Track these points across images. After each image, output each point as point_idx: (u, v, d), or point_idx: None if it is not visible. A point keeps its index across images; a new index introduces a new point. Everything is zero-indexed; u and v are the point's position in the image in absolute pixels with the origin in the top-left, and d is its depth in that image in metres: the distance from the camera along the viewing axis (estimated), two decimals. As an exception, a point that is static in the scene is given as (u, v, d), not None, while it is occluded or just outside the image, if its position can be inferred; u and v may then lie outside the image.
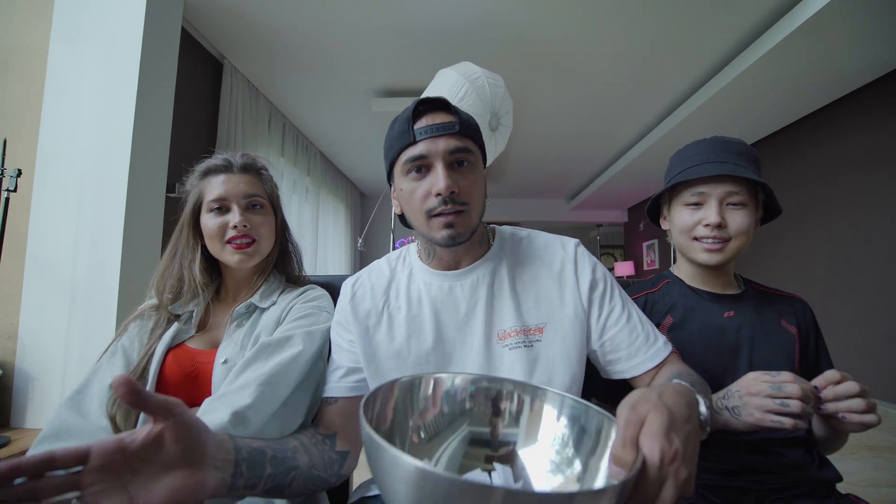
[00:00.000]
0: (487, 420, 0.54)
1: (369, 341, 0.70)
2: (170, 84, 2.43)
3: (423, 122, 0.66)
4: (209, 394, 0.71)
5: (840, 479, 0.69)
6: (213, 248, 0.82)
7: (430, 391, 0.53)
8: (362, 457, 0.51)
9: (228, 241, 0.81)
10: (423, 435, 0.51)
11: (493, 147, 2.68)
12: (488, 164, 2.89)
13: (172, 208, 2.46)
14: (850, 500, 0.67)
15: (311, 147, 4.92)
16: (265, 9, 2.62)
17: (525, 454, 0.51)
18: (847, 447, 2.23)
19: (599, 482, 0.43)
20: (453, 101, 2.41)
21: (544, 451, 0.51)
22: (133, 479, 0.39)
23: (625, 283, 0.86)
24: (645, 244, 7.18)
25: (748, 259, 4.45)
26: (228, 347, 0.74)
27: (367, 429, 0.37)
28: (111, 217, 2.12)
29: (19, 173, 1.61)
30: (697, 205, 0.79)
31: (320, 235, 5.15)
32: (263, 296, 0.82)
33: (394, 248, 3.49)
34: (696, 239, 0.79)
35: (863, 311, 3.19)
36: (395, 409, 0.50)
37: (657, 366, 0.65)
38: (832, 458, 0.73)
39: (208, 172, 0.84)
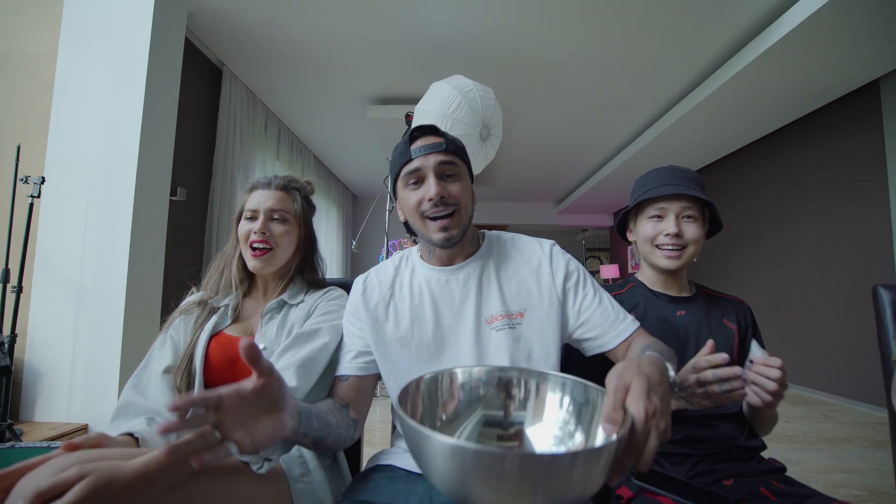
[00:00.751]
0: (499, 404, 0.63)
1: (378, 328, 0.83)
2: (174, 91, 2.51)
3: (417, 144, 0.80)
4: (249, 373, 0.84)
5: (764, 447, 0.84)
6: (243, 250, 0.95)
7: (449, 383, 0.63)
8: (367, 426, 0.64)
9: (251, 246, 0.93)
10: (444, 419, 0.60)
11: (484, 156, 2.83)
12: (479, 171, 3.03)
13: (174, 210, 2.56)
14: (769, 463, 0.82)
15: (306, 150, 5.02)
16: (264, 19, 2.72)
17: (532, 431, 0.59)
18: (806, 439, 2.42)
19: (598, 442, 0.50)
20: (447, 113, 2.55)
21: (549, 428, 0.59)
22: (246, 420, 0.52)
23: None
24: (629, 248, 7.38)
25: (722, 264, 4.67)
26: (265, 337, 0.87)
27: (406, 420, 0.45)
28: (118, 220, 2.21)
29: (42, 180, 1.70)
30: (659, 217, 0.94)
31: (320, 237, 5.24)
32: (291, 295, 0.95)
33: (387, 250, 3.61)
34: (657, 247, 0.94)
35: (828, 313, 3.40)
36: (423, 401, 0.59)
37: (628, 338, 0.78)
38: (796, 447, 0.87)
39: (252, 188, 0.98)
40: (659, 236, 0.93)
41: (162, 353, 0.86)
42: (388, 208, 3.27)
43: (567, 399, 0.60)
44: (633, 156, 4.70)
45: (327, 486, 0.75)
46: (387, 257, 3.82)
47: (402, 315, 0.83)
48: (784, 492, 0.73)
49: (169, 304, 2.39)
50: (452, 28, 2.79)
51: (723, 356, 0.65)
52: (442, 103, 2.59)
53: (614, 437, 0.44)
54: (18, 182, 1.85)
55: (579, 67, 3.23)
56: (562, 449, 0.55)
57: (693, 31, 2.77)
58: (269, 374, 0.53)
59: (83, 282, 2.19)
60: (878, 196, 3.02)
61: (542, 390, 0.63)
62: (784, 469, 0.81)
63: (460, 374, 0.64)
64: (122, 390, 0.81)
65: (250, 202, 0.96)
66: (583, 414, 0.58)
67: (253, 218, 0.95)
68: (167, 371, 0.86)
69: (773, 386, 0.68)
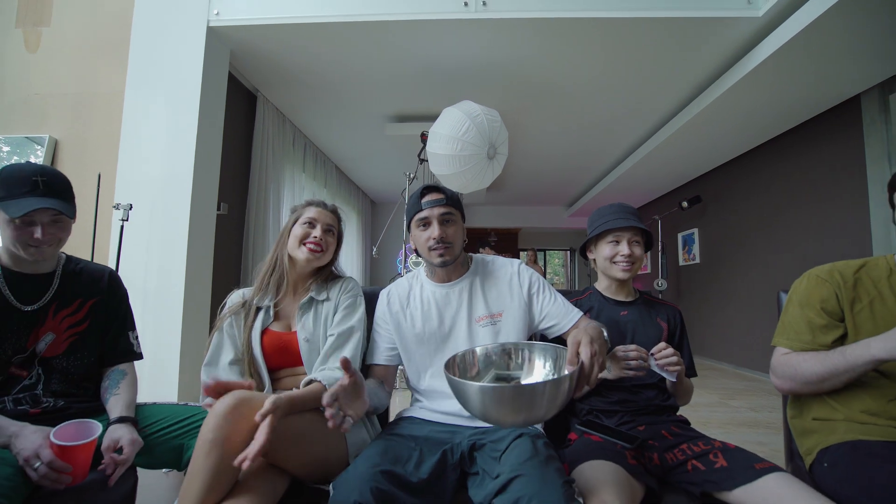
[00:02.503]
0: (504, 365, 1.00)
1: (399, 328, 1.17)
2: (220, 119, 2.89)
3: (426, 198, 1.14)
4: (299, 361, 1.16)
5: (676, 408, 1.14)
6: (294, 246, 1.22)
7: (472, 356, 1.01)
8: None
9: (305, 243, 1.22)
10: (471, 376, 0.98)
11: (491, 172, 3.15)
12: (488, 185, 3.38)
13: (218, 223, 2.92)
14: (677, 417, 1.12)
15: (328, 162, 5.41)
16: (293, 51, 3.07)
17: (526, 380, 0.96)
18: (731, 423, 2.70)
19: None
20: (457, 136, 2.89)
21: (537, 375, 0.95)
22: (350, 401, 0.86)
23: (565, 292, 1.32)
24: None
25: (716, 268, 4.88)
26: (304, 329, 1.17)
27: (452, 378, 0.81)
28: (177, 234, 2.59)
29: (131, 206, 2.08)
30: (616, 242, 1.24)
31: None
32: (317, 292, 1.25)
33: (405, 254, 3.95)
34: (614, 263, 1.25)
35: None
36: (458, 367, 0.95)
37: (576, 322, 1.11)
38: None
39: (310, 204, 1.28)
40: (616, 255, 1.23)
41: (225, 349, 1.15)
42: (406, 219, 3.61)
43: (545, 357, 0.97)
44: (637, 163, 4.95)
45: (364, 429, 1.10)
46: (404, 261, 4.17)
47: (416, 318, 1.17)
48: (678, 433, 1.04)
49: (216, 304, 2.77)
50: (463, 57, 3.11)
51: (634, 347, 0.98)
52: (453, 126, 2.93)
53: (570, 371, 0.80)
54: (111, 208, 2.24)
55: (581, 88, 3.53)
56: (539, 380, 0.88)
57: (684, 55, 3.04)
58: (354, 374, 0.86)
59: (147, 287, 2.58)
60: (859, 203, 3.24)
61: (532, 354, 0.99)
62: (686, 421, 1.13)
63: (479, 350, 1.02)
64: (201, 378, 1.12)
65: (309, 213, 1.25)
66: (556, 364, 0.94)
67: (311, 225, 1.23)
68: (232, 363, 1.14)
69: (670, 360, 1.01)
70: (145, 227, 2.60)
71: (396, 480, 0.82)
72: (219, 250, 2.97)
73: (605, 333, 0.97)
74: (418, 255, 1.20)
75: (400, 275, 4.49)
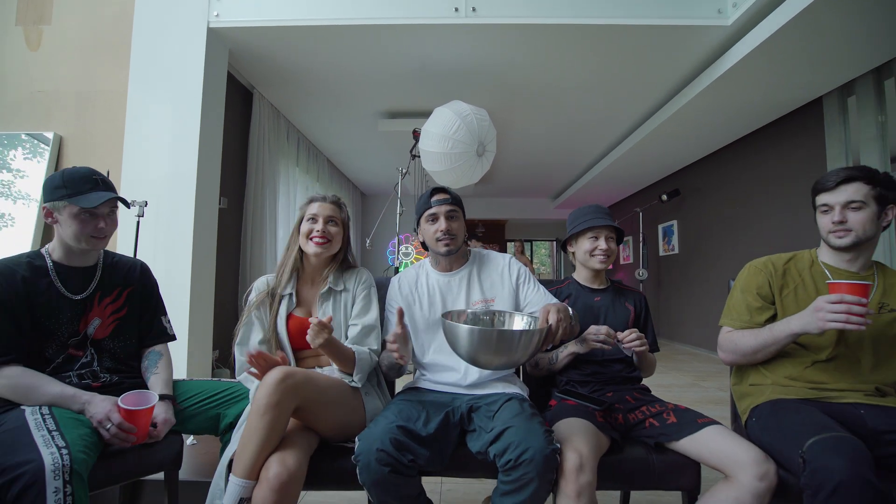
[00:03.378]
0: (490, 323, 1.22)
1: (409, 310, 1.35)
2: (220, 116, 3.00)
3: (435, 197, 1.32)
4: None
5: (640, 379, 1.36)
6: (304, 242, 1.37)
7: (464, 315, 1.24)
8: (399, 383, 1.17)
9: (311, 238, 1.37)
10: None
11: (480, 168, 3.33)
12: (477, 180, 3.58)
13: (219, 216, 3.04)
14: (641, 387, 1.33)
15: (321, 156, 5.52)
16: (288, 50, 3.17)
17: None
18: (701, 401, 2.98)
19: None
20: (448, 134, 3.06)
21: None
22: (401, 345, 1.08)
23: (547, 282, 1.52)
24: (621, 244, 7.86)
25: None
26: (324, 315, 1.35)
27: (448, 322, 1.04)
28: (182, 227, 2.72)
29: (146, 203, 2.21)
30: (595, 238, 1.43)
31: (328, 234, 5.77)
32: (334, 283, 1.41)
33: (398, 241, 4.12)
34: (593, 255, 1.44)
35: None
36: (453, 317, 1.17)
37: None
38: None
39: (311, 200, 1.42)
40: (595, 249, 1.42)
41: (255, 331, 1.31)
42: (398, 211, 3.77)
43: (522, 320, 1.20)
44: (618, 158, 5.18)
45: (378, 399, 1.28)
46: (396, 251, 4.34)
47: (423, 301, 1.36)
48: (639, 398, 1.25)
49: (219, 290, 2.91)
50: (453, 59, 3.26)
51: (605, 328, 1.19)
52: (444, 125, 3.09)
53: (539, 327, 1.02)
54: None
55: (565, 89, 3.71)
56: (520, 330, 1.11)
57: (660, 59, 3.24)
58: (404, 326, 1.11)
59: (156, 276, 2.70)
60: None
61: (511, 318, 1.23)
62: (647, 389, 1.34)
63: (469, 311, 1.26)
64: (236, 356, 1.29)
65: (311, 209, 1.39)
66: (530, 326, 1.15)
67: (314, 220, 1.37)
68: (261, 342, 1.30)
69: (634, 345, 1.21)
70: (152, 221, 2.71)
71: (409, 434, 1.01)
72: (219, 241, 3.11)
73: (572, 311, 1.17)
74: (425, 247, 1.38)
75: (392, 265, 4.66)
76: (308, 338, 1.10)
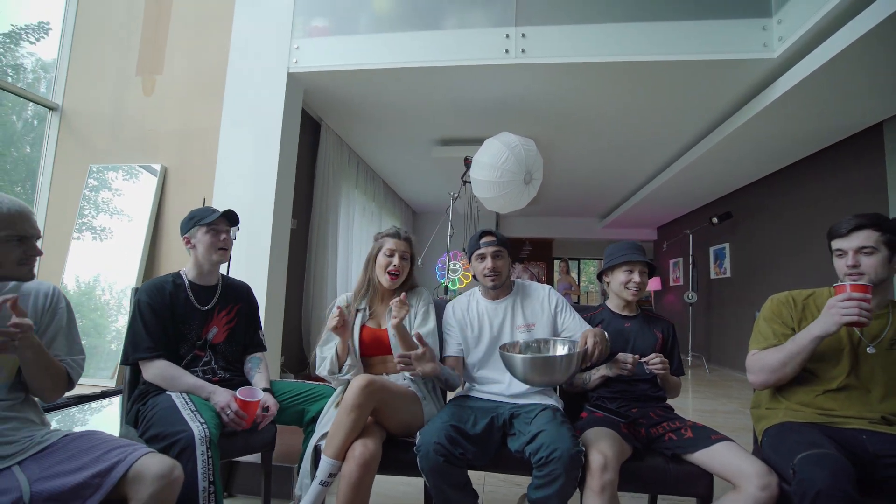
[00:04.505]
0: (538, 349, 1.43)
1: (462, 331, 1.59)
2: (294, 148, 3.40)
3: (483, 240, 1.56)
4: (389, 351, 1.60)
5: (664, 398, 1.50)
6: (380, 274, 1.64)
7: (517, 345, 1.45)
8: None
9: (388, 271, 1.65)
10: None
11: (527, 195, 3.54)
12: (524, 205, 3.83)
13: (292, 236, 3.45)
14: (668, 406, 1.48)
15: (377, 177, 5.94)
16: (355, 88, 3.54)
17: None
18: (743, 428, 2.92)
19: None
20: (497, 164, 3.30)
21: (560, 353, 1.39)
22: (419, 362, 1.33)
23: (582, 308, 1.70)
24: (671, 261, 7.73)
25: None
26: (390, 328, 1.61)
27: (506, 354, 1.30)
28: (260, 246, 3.11)
29: (238, 229, 2.60)
30: (630, 271, 1.61)
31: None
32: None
33: (448, 258, 4.38)
34: (627, 287, 1.61)
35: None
36: (508, 348, 1.40)
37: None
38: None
39: (387, 235, 1.69)
40: (630, 282, 1.59)
41: (334, 336, 1.57)
42: (449, 233, 4.04)
43: (563, 345, 1.41)
44: (667, 180, 5.18)
45: (432, 402, 1.52)
46: (446, 270, 4.60)
47: (474, 325, 1.59)
48: (661, 415, 1.40)
49: (289, 301, 3.27)
50: (504, 94, 3.52)
51: (633, 357, 1.37)
52: (493, 156, 3.34)
53: (578, 350, 1.22)
54: None
55: (609, 119, 3.86)
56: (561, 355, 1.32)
57: (704, 91, 3.33)
58: (427, 347, 1.32)
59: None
60: (879, 227, 3.41)
61: (555, 344, 1.43)
62: (670, 408, 1.49)
63: (520, 341, 1.48)
64: (317, 355, 1.58)
65: (388, 244, 1.64)
66: (569, 350, 1.36)
67: (390, 254, 1.64)
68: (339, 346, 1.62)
69: (656, 367, 1.37)
70: (236, 243, 3.14)
71: (460, 432, 1.24)
72: (289, 259, 3.50)
73: (606, 335, 1.37)
74: (475, 278, 1.62)
75: (441, 281, 4.93)
76: (394, 312, 1.40)
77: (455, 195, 4.07)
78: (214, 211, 1.59)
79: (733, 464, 1.15)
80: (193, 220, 1.56)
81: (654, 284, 7.62)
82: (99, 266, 3.36)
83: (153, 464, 0.94)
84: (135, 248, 3.35)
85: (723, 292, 5.98)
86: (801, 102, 3.14)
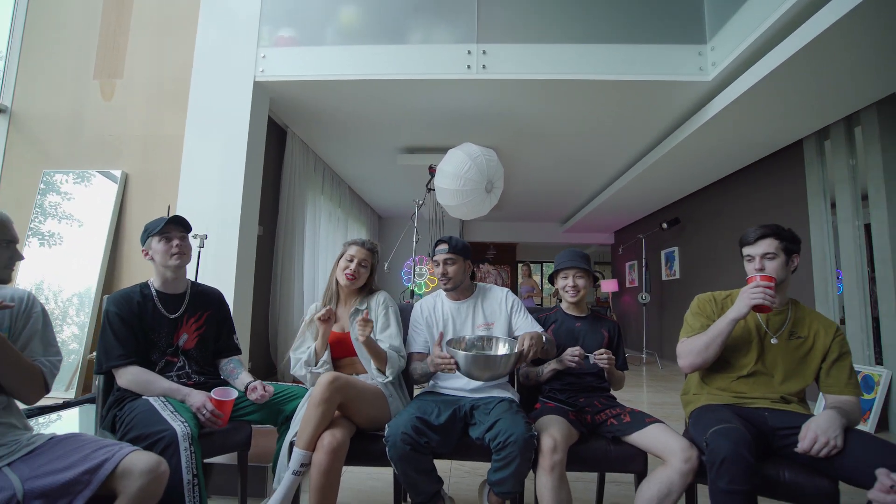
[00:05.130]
0: (482, 346, 1.57)
1: (428, 329, 1.71)
2: (260, 155, 3.44)
3: (438, 247, 1.70)
4: (353, 352, 1.71)
5: (608, 389, 1.69)
6: (339, 275, 1.76)
7: (463, 340, 1.58)
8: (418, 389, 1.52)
9: (345, 274, 1.76)
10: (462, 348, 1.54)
11: (489, 202, 3.73)
12: (486, 212, 4.02)
13: (259, 243, 3.48)
14: (611, 396, 1.66)
15: (343, 183, 5.99)
16: (320, 97, 3.61)
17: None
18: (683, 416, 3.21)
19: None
20: (460, 173, 3.45)
21: (500, 352, 1.53)
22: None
23: (538, 309, 1.86)
24: (627, 264, 8.15)
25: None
26: (353, 332, 1.71)
27: (451, 349, 1.42)
28: (228, 252, 3.12)
29: (206, 237, 2.62)
30: (565, 277, 1.78)
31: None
32: (359, 304, 1.79)
33: (414, 263, 4.49)
34: (565, 291, 1.79)
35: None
36: (453, 345, 1.52)
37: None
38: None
39: (352, 243, 1.81)
40: (566, 286, 1.78)
41: (307, 341, 1.71)
42: (415, 239, 4.16)
43: (504, 343, 1.54)
44: (619, 189, 5.52)
45: (400, 400, 1.64)
46: (412, 274, 4.72)
47: (439, 323, 1.72)
48: (605, 404, 1.58)
49: (256, 307, 3.29)
50: (466, 106, 3.68)
51: (579, 349, 1.53)
52: (456, 165, 3.50)
53: (515, 352, 1.37)
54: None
55: (566, 131, 4.11)
56: (497, 354, 1.46)
57: (649, 108, 3.62)
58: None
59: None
60: (801, 230, 3.79)
61: (497, 342, 1.56)
62: (613, 397, 1.67)
63: (467, 337, 1.60)
64: (292, 357, 1.68)
65: (351, 251, 1.77)
66: (510, 348, 1.49)
67: (350, 260, 1.76)
68: (309, 349, 1.72)
69: (602, 361, 1.54)
70: (203, 249, 3.14)
71: (425, 423, 1.36)
72: (256, 264, 3.52)
73: (545, 337, 1.53)
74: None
75: (407, 285, 5.04)
76: (357, 332, 1.49)
77: (420, 202, 4.20)
78: (163, 218, 1.62)
79: (662, 442, 1.33)
80: (147, 232, 1.61)
81: (611, 286, 8.00)
82: (44, 273, 3.26)
83: (140, 460, 1.02)
84: (88, 255, 3.28)
85: (674, 293, 6.39)
86: (733, 121, 3.48)
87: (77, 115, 3.44)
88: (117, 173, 3.32)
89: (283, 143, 4.22)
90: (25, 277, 3.24)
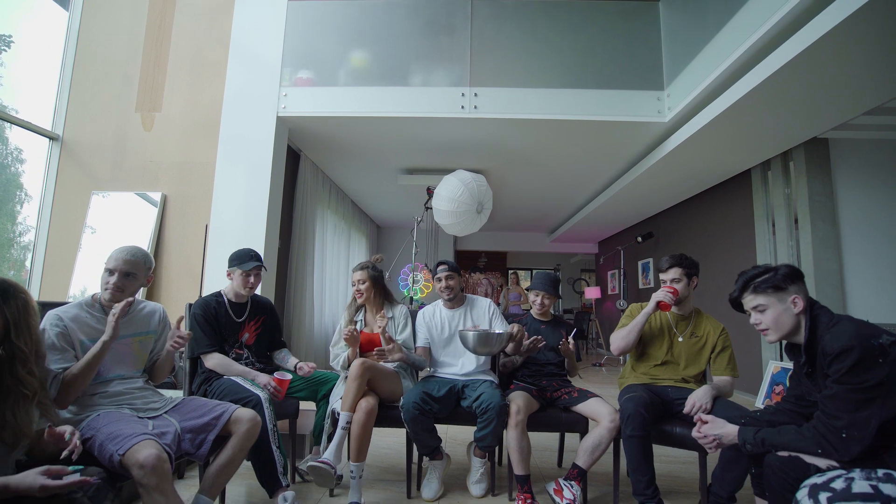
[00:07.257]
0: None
1: (430, 332, 2.26)
2: (280, 180, 3.96)
3: (440, 268, 2.26)
4: (377, 347, 2.25)
5: (565, 374, 2.25)
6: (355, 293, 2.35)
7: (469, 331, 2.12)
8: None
9: (355, 293, 2.32)
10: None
11: (479, 222, 4.29)
12: (477, 230, 4.68)
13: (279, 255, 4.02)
14: (566, 380, 2.21)
15: (346, 197, 6.53)
16: (331, 128, 4.14)
17: None
18: None
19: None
20: (454, 196, 4.01)
21: None
22: (390, 352, 2.06)
23: (514, 315, 2.42)
24: (609, 273, 8.74)
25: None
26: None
27: (461, 331, 2.02)
28: (254, 265, 3.65)
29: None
30: (536, 295, 2.33)
31: (351, 264, 6.73)
32: (387, 311, 2.34)
33: (413, 268, 5.04)
34: (535, 304, 2.34)
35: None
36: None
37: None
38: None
39: (354, 270, 2.36)
40: (536, 301, 2.33)
41: (342, 340, 2.26)
42: (413, 251, 4.71)
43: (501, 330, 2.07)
44: (598, 207, 6.13)
45: (410, 380, 2.18)
46: (411, 283, 5.25)
47: (438, 326, 2.26)
48: (561, 385, 2.14)
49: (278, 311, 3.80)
50: (460, 138, 4.24)
51: (535, 338, 2.09)
52: (451, 190, 4.06)
53: (508, 331, 1.95)
54: (203, 247, 3.31)
55: (549, 158, 4.69)
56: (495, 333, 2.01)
57: (617, 141, 4.21)
58: (393, 343, 2.00)
59: (232, 302, 3.63)
60: (748, 248, 4.40)
61: (495, 329, 2.12)
62: (569, 381, 2.23)
63: (474, 328, 2.15)
64: (331, 351, 2.22)
65: (353, 277, 2.31)
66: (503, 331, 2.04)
67: (354, 284, 2.30)
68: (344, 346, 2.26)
69: (563, 347, 2.10)
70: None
71: (429, 396, 1.91)
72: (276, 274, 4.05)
73: (525, 331, 2.09)
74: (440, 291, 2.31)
75: (406, 293, 5.58)
76: (379, 323, 2.06)
77: (419, 219, 4.75)
78: (251, 258, 2.16)
79: (597, 410, 1.90)
80: (233, 261, 2.15)
81: (594, 293, 8.59)
82: (93, 285, 3.75)
83: (245, 412, 1.55)
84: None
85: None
86: (689, 154, 4.07)
87: (121, 143, 3.94)
88: (157, 196, 3.83)
89: (296, 164, 4.75)
90: (76, 287, 3.73)
